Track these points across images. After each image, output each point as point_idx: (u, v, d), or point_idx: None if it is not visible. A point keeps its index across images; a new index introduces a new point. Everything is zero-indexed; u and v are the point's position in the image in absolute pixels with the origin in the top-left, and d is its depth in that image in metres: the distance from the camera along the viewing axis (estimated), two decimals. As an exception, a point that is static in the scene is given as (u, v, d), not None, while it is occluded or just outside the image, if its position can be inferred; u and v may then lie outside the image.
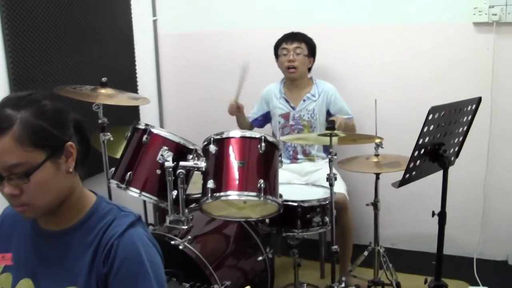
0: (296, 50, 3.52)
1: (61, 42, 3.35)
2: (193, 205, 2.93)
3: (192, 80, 4.43)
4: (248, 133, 2.59)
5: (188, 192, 2.80)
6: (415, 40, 3.69)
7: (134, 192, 2.71)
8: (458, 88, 3.58)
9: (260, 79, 3.86)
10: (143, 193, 2.71)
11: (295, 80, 3.60)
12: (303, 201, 2.83)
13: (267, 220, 2.85)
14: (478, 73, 3.55)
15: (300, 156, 3.63)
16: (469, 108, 2.56)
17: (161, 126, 4.52)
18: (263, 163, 2.55)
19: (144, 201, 3.37)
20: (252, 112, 3.73)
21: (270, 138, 2.58)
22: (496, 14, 3.39)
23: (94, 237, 1.49)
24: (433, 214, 2.53)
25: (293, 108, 3.60)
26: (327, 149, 3.30)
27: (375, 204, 3.06)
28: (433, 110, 2.26)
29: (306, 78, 3.64)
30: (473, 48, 3.55)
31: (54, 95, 1.50)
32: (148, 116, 4.27)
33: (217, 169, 2.54)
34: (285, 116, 3.61)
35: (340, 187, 3.32)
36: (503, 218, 3.68)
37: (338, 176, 3.32)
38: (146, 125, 2.78)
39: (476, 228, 3.74)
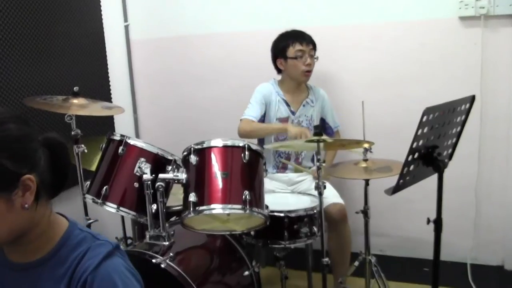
0: (311, 53, 3.29)
1: (30, 51, 3.19)
2: (173, 219, 2.78)
3: (167, 86, 4.28)
4: (230, 142, 2.41)
5: (168, 204, 2.66)
6: (401, 38, 3.55)
7: (111, 207, 2.58)
8: (446, 86, 3.46)
9: (238, 83, 3.77)
10: (121, 208, 2.58)
11: (301, 83, 3.39)
12: (289, 211, 2.69)
13: (252, 232, 2.70)
14: (467, 70, 3.42)
15: (290, 164, 3.41)
16: (462, 108, 2.44)
17: (137, 135, 4.37)
18: (248, 173, 2.40)
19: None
20: (255, 112, 3.27)
21: (254, 146, 2.43)
22: (483, 7, 3.26)
23: (66, 270, 1.33)
24: (428, 221, 2.38)
25: (293, 113, 3.38)
26: (313, 159, 3.16)
27: (365, 212, 2.92)
28: (427, 111, 2.12)
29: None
30: (460, 44, 3.41)
31: (21, 118, 1.29)
32: (123, 126, 4.12)
33: (198, 181, 2.38)
34: (284, 121, 3.36)
35: (336, 196, 3.19)
36: (496, 221, 3.55)
37: (329, 184, 3.20)
38: (122, 136, 2.65)
39: (469, 232, 3.60)
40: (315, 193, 2.67)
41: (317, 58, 3.33)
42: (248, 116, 3.25)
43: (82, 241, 1.37)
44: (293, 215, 2.68)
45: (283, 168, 3.41)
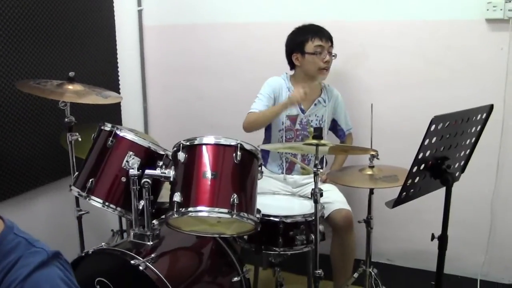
0: (330, 49, 3.12)
1: (35, 34, 3.05)
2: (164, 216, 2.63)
3: (179, 76, 4.11)
4: (223, 140, 2.25)
5: (162, 199, 2.55)
6: (419, 38, 3.34)
7: (96, 202, 2.46)
8: (469, 92, 3.24)
9: (251, 76, 3.62)
10: (107, 203, 2.45)
11: (315, 81, 3.19)
12: (285, 217, 2.53)
13: (245, 236, 2.54)
14: (490, 77, 3.20)
15: (297, 166, 3.22)
16: (478, 117, 2.25)
17: (146, 125, 4.23)
18: (238, 174, 2.24)
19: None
20: (262, 106, 3.08)
21: (248, 146, 2.26)
22: (513, 10, 3.04)
23: None
24: (433, 237, 2.24)
25: (303, 111, 3.19)
26: (322, 160, 2.99)
27: (368, 222, 2.74)
28: (436, 120, 1.94)
29: None
30: (486, 48, 3.19)
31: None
32: (131, 115, 4.03)
33: (185, 180, 2.23)
34: (293, 119, 3.18)
35: (343, 202, 3.02)
36: (511, 237, 3.34)
37: (336, 189, 3.03)
38: (113, 126, 2.51)
39: (481, 247, 3.40)
40: (321, 197, 2.50)
41: (335, 55, 3.15)
42: (255, 109, 3.08)
43: (15, 248, 1.23)
44: (289, 220, 2.52)
45: (289, 170, 3.23)
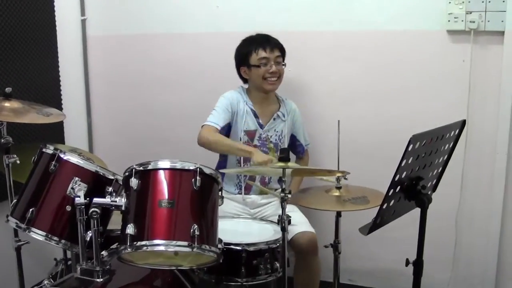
0: (277, 60, 2.96)
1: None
2: (115, 246, 2.38)
3: (126, 88, 3.90)
4: (179, 164, 2.03)
5: (112, 225, 2.28)
6: (384, 49, 3.24)
7: (38, 234, 2.18)
8: (431, 105, 3.17)
9: (205, 88, 3.48)
10: (50, 235, 2.18)
11: (269, 92, 3.04)
12: (248, 245, 2.32)
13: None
14: (453, 88, 3.13)
15: (256, 186, 3.04)
16: (451, 134, 2.14)
17: (90, 142, 3.98)
18: (198, 202, 2.02)
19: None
20: (219, 120, 2.90)
21: (208, 170, 2.05)
22: (474, 22, 2.97)
23: None
24: (407, 262, 2.08)
25: (261, 126, 3.02)
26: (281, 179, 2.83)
27: (335, 246, 2.56)
28: (414, 139, 1.79)
29: (274, 93, 3.11)
30: (448, 60, 3.12)
31: None
32: (74, 131, 3.79)
33: (139, 210, 2.00)
34: (251, 134, 3.01)
35: (305, 224, 2.86)
36: (477, 254, 3.26)
37: (298, 210, 2.86)
38: (55, 149, 2.25)
39: (447, 263, 3.33)
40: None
41: (285, 64, 3.01)
42: (211, 123, 2.89)
43: None
44: (252, 248, 2.32)
45: (247, 189, 3.03)
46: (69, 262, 3.06)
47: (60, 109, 3.51)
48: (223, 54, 3.18)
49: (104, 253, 2.12)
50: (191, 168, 2.01)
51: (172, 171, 2.02)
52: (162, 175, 2.01)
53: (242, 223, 2.72)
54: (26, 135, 3.09)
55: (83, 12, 3.82)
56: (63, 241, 2.20)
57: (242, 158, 2.95)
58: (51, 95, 3.47)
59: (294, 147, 3.18)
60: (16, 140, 2.60)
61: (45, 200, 2.20)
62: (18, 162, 2.57)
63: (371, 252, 3.44)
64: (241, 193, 3.01)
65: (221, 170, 2.60)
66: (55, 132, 3.52)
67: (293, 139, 3.17)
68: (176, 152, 3.50)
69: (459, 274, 3.32)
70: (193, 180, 2.00)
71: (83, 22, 3.83)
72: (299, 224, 2.76)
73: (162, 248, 1.93)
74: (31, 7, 3.27)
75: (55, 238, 2.18)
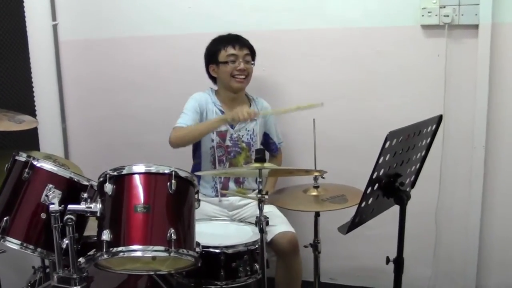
0: (246, 58, 2.95)
1: None
2: (92, 252, 2.34)
3: (100, 93, 3.83)
4: (154, 168, 2.00)
5: (88, 231, 2.25)
6: (357, 46, 3.21)
7: (12, 243, 2.16)
8: (407, 101, 3.16)
9: (178, 91, 3.37)
10: (25, 244, 2.15)
11: (238, 92, 3.01)
12: (226, 247, 2.29)
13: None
14: (429, 83, 3.11)
15: (231, 186, 3.02)
16: (428, 130, 2.13)
17: (65, 148, 3.91)
18: (174, 206, 1.99)
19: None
20: (188, 121, 2.86)
21: (183, 173, 2.03)
22: (448, 16, 2.96)
23: None
24: (388, 260, 2.06)
25: (232, 127, 2.99)
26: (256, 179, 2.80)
27: (315, 246, 2.54)
28: (391, 136, 1.78)
29: (243, 92, 3.09)
30: (422, 55, 3.10)
31: None
32: (49, 136, 3.71)
33: (114, 216, 1.96)
34: (222, 135, 2.98)
35: (285, 223, 2.82)
36: (457, 249, 3.26)
37: (276, 210, 2.83)
38: (28, 156, 2.22)
39: (427, 260, 3.32)
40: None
41: (253, 64, 3.01)
42: (181, 124, 2.86)
43: None
44: (230, 251, 2.29)
45: (224, 189, 3.00)
46: (48, 270, 3.01)
47: (34, 115, 3.45)
48: (196, 55, 3.14)
49: (81, 260, 2.08)
50: (166, 171, 1.99)
51: (147, 175, 1.99)
52: (136, 179, 1.98)
53: (220, 226, 2.69)
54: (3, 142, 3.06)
55: (54, 17, 3.75)
56: (39, 249, 2.17)
57: (216, 159, 2.95)
58: (24, 102, 3.40)
59: (267, 146, 3.16)
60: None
61: (19, 209, 2.17)
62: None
63: (351, 250, 3.42)
64: (218, 196, 2.98)
65: (196, 173, 2.57)
66: (30, 139, 3.44)
67: (266, 137, 3.14)
68: (151, 156, 3.47)
69: (440, 270, 3.31)
70: (168, 183, 1.97)
71: (54, 27, 3.76)
72: (279, 224, 2.74)
73: (139, 253, 1.90)
74: (0, 12, 3.20)
75: (31, 246, 2.16)
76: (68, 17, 3.76)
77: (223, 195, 2.96)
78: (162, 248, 1.89)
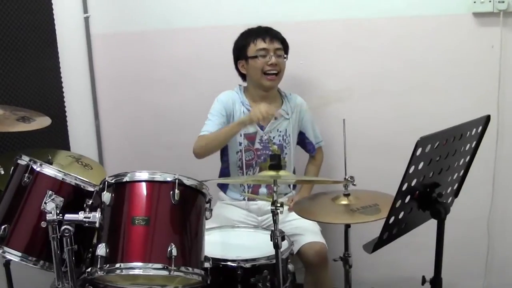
0: (277, 52, 2.74)
1: None
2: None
3: (130, 89, 3.69)
4: (157, 175, 1.81)
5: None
6: (402, 37, 2.96)
7: (13, 255, 2.02)
8: (456, 97, 2.90)
9: (209, 87, 3.15)
10: (26, 255, 2.02)
11: (269, 90, 2.80)
12: (245, 261, 2.09)
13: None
14: (482, 78, 2.85)
15: (261, 190, 2.81)
16: (473, 132, 1.88)
17: (99, 146, 3.78)
18: (177, 218, 1.82)
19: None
20: (213, 125, 2.71)
21: (188, 181, 1.83)
22: (503, 2, 2.68)
23: None
24: (424, 281, 1.86)
25: (262, 128, 2.78)
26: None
27: (345, 259, 2.29)
28: (422, 142, 1.54)
29: (275, 89, 2.88)
30: (474, 46, 2.84)
31: None
32: (80, 134, 3.58)
33: (111, 228, 1.80)
34: (251, 138, 2.78)
35: (315, 233, 2.60)
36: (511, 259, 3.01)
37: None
38: (30, 159, 2.09)
39: (479, 270, 3.06)
40: (291, 227, 2.31)
41: (286, 57, 2.79)
42: (205, 132, 2.69)
43: None
44: (248, 265, 2.08)
45: (254, 194, 2.81)
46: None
47: (64, 112, 3.39)
48: (228, 48, 2.96)
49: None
50: (169, 179, 1.79)
51: (148, 183, 1.82)
52: (136, 188, 1.82)
53: (242, 234, 2.47)
54: (18, 142, 2.93)
55: (85, 9, 3.62)
56: (41, 261, 2.03)
57: (244, 163, 2.76)
58: (53, 99, 3.32)
59: (303, 146, 2.96)
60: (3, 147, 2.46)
61: (20, 216, 2.04)
62: (2, 172, 2.38)
63: (392, 259, 3.14)
64: (245, 199, 2.80)
65: (220, 180, 2.38)
66: (58, 138, 3.34)
67: (301, 136, 2.93)
68: (182, 156, 3.29)
69: (493, 282, 3.07)
70: (171, 193, 1.78)
71: (86, 19, 3.63)
72: (307, 233, 2.53)
73: (136, 271, 1.73)
74: (28, 8, 3.10)
75: (32, 258, 2.02)
76: (100, 9, 3.63)
77: (250, 199, 2.77)
78: (159, 266, 1.71)
